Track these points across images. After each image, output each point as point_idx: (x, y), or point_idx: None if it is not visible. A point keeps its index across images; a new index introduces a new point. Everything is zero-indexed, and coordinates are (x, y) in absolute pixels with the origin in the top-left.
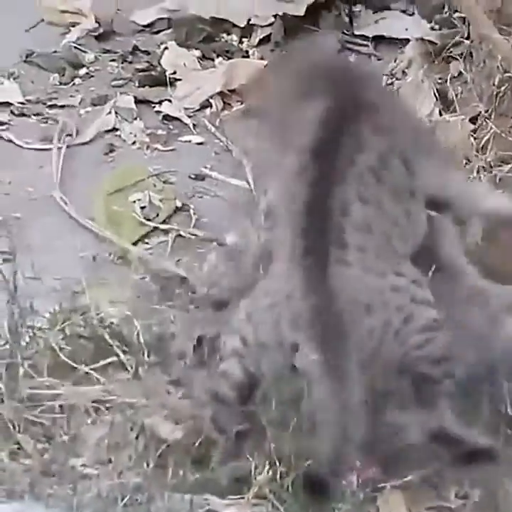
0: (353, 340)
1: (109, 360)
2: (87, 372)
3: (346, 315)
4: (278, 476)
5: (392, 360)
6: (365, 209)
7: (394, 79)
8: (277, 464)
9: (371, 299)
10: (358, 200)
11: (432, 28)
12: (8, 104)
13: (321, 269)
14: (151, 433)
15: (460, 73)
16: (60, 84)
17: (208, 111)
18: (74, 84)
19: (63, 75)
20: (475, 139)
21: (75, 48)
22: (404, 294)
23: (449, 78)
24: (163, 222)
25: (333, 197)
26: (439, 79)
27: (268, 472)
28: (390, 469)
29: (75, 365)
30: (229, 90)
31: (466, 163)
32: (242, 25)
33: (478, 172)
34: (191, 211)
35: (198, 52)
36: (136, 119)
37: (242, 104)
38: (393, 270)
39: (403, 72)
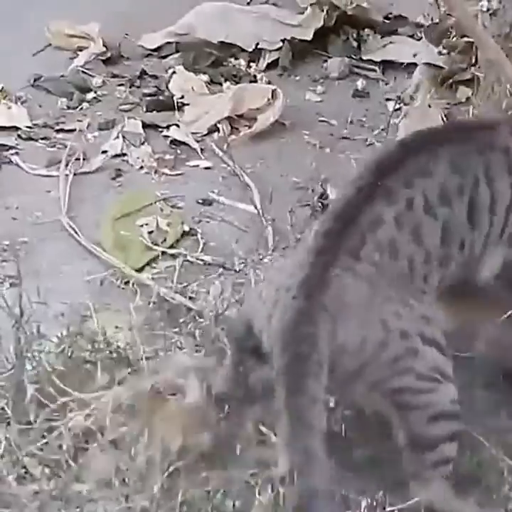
0: (325, 354)
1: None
2: (93, 397)
3: (327, 324)
4: (281, 500)
5: (378, 387)
6: (396, 233)
7: (401, 103)
8: (280, 487)
9: (369, 314)
10: (394, 221)
11: (440, 53)
12: (15, 128)
13: (324, 271)
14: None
15: (468, 98)
16: (68, 108)
17: (215, 135)
18: (81, 108)
19: (71, 100)
20: None
21: (83, 72)
22: (408, 323)
23: (456, 103)
24: (171, 246)
25: (368, 209)
26: (447, 104)
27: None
28: (396, 492)
29: (81, 390)
30: (237, 115)
31: None
32: (250, 50)
33: None
34: (199, 236)
35: (205, 77)
36: (143, 143)
37: (249, 128)
38: (403, 300)
39: (411, 96)
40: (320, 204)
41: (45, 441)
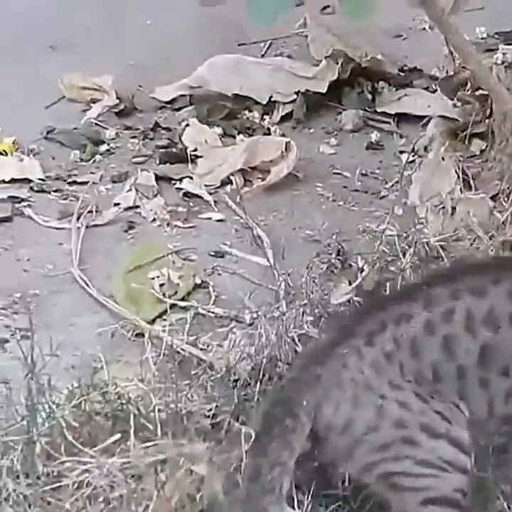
0: (302, 421)
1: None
2: (103, 449)
3: (314, 395)
4: None
5: (372, 468)
6: (422, 335)
7: (416, 156)
8: None
9: (365, 396)
10: (424, 323)
11: (455, 106)
12: (28, 180)
13: (333, 346)
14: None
15: (482, 151)
16: (81, 160)
17: (228, 188)
18: (94, 160)
19: (84, 152)
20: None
21: (96, 124)
22: (411, 414)
23: (470, 156)
24: (182, 299)
25: (401, 304)
26: (461, 156)
27: None
28: None
29: (92, 441)
30: (250, 167)
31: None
32: (264, 102)
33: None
34: (210, 288)
35: (219, 130)
36: (156, 196)
37: (263, 181)
38: (419, 395)
39: (425, 149)
40: (339, 261)
41: (53, 493)
